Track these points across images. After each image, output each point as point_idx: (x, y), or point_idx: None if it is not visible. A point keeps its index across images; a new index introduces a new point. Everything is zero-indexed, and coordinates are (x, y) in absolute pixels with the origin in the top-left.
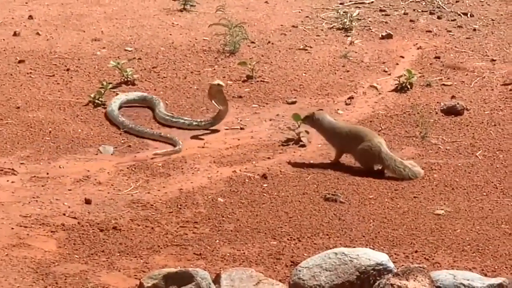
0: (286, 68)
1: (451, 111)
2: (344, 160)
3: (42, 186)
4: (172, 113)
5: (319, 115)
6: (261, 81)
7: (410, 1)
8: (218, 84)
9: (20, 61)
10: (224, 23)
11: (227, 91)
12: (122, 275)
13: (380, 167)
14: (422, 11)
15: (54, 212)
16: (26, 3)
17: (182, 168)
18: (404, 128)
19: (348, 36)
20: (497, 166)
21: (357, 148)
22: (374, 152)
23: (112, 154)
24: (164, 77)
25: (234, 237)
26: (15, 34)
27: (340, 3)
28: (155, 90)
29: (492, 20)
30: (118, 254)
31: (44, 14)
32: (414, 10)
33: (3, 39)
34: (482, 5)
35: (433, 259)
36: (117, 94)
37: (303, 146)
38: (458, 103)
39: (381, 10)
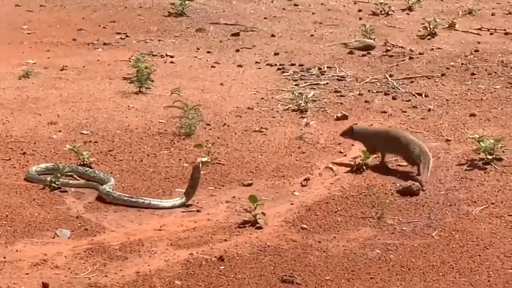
0: (242, 150)
1: (407, 192)
2: (300, 241)
3: None
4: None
5: (357, 128)
6: (217, 163)
7: (365, 82)
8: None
9: None
10: (179, 105)
11: (183, 174)
12: None
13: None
14: (377, 91)
15: None
16: None
17: (139, 251)
18: (360, 209)
19: (304, 117)
20: (453, 246)
21: (402, 149)
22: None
23: (69, 238)
24: (120, 160)
25: None
26: None
27: (295, 85)
28: (111, 173)
29: (447, 100)
30: None
31: (0, 98)
32: (369, 91)
33: None
34: (437, 85)
35: None
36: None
37: (260, 228)
38: (413, 184)
39: (336, 91)
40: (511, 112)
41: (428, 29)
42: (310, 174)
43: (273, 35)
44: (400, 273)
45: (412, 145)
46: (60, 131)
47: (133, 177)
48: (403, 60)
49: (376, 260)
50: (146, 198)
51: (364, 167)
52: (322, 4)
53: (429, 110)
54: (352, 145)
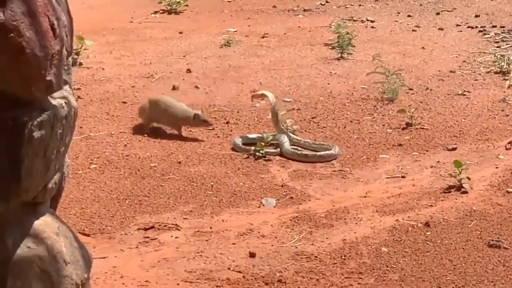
0: (445, 114)
1: None
2: (506, 205)
3: (206, 240)
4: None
5: None
6: (420, 128)
7: None
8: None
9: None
10: (381, 71)
11: (387, 139)
12: None
13: None
14: None
15: (219, 267)
16: (184, 56)
17: (345, 219)
18: None
19: (506, 79)
20: None
21: None
22: None
23: (274, 207)
24: (323, 127)
25: (399, 287)
26: (174, 88)
27: (497, 47)
28: (315, 140)
29: None
30: None
31: (202, 67)
32: None
33: (162, 93)
34: None
35: None
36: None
37: (465, 192)
38: None
39: None
40: None
41: None
42: None
43: None
44: None
45: None
46: (262, 99)
47: (337, 143)
48: None
49: None
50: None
51: None
52: None
53: None
54: None
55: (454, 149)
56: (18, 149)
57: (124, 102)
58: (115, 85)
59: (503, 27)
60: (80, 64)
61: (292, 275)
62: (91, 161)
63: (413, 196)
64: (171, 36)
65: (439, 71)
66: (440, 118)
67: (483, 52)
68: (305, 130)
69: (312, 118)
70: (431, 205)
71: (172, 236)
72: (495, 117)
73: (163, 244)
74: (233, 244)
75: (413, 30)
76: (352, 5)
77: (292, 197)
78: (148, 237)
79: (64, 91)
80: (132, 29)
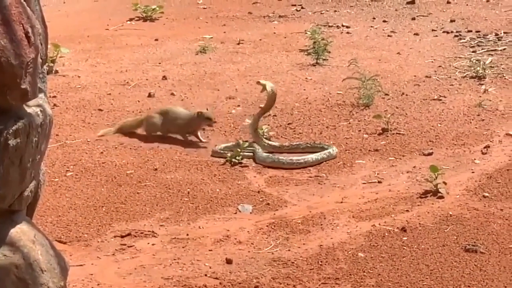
0: (421, 119)
1: None
2: (482, 209)
3: (183, 247)
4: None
5: None
6: (396, 133)
7: None
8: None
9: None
10: (357, 76)
11: (363, 145)
12: None
13: None
14: None
15: (196, 273)
16: (160, 63)
17: (321, 224)
18: None
19: (482, 84)
20: None
21: None
22: None
23: (251, 213)
24: (300, 132)
25: None
26: (149, 95)
27: (473, 51)
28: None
29: None
30: None
31: (177, 74)
32: None
33: (138, 101)
34: None
35: None
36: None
37: (442, 197)
38: None
39: None
40: None
41: None
42: (490, 141)
43: (448, 2)
44: None
45: None
46: (238, 105)
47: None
48: None
49: None
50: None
51: None
52: None
53: None
54: None
55: (430, 154)
56: None
57: (100, 110)
58: (91, 92)
59: (479, 31)
60: (56, 71)
61: (269, 281)
62: (67, 169)
63: (390, 201)
64: (147, 43)
65: (415, 76)
66: (416, 123)
67: (459, 57)
68: (281, 136)
69: (288, 124)
70: (407, 210)
71: (148, 243)
72: (471, 122)
73: (140, 251)
74: (209, 250)
75: (388, 36)
76: (327, 11)
77: (268, 203)
78: (124, 244)
79: (39, 99)
80: (108, 36)
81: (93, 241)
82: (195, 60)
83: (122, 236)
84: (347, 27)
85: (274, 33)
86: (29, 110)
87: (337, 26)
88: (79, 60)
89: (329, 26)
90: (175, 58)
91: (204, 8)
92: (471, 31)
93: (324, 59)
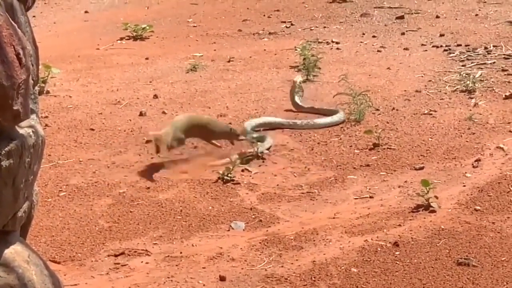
0: (411, 133)
1: None
2: (474, 223)
3: (176, 265)
4: None
5: None
6: (387, 148)
7: None
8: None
9: (147, 141)
10: (347, 92)
11: (354, 160)
12: None
13: None
14: None
15: None
16: (151, 82)
17: (314, 240)
18: None
19: (472, 98)
20: None
21: None
22: None
23: (244, 230)
24: (291, 149)
25: None
26: (141, 114)
27: (462, 65)
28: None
29: None
30: None
31: (168, 93)
32: None
33: (130, 120)
34: None
35: None
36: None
37: (433, 211)
38: None
39: (503, 70)
40: None
41: None
42: (481, 154)
43: (437, 16)
44: None
45: None
46: (230, 123)
47: (303, 165)
48: None
49: None
50: None
51: None
52: None
53: None
54: None
55: (421, 168)
56: None
57: (92, 129)
58: (82, 112)
59: (468, 45)
60: (48, 92)
61: None
62: (60, 189)
63: (382, 216)
64: (138, 62)
65: (405, 91)
66: (407, 138)
67: (449, 71)
68: (273, 154)
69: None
70: (399, 225)
71: (142, 262)
72: (461, 136)
73: (134, 270)
74: (203, 268)
75: (378, 51)
76: (317, 27)
77: (261, 220)
78: (118, 263)
79: (32, 120)
80: (98, 56)
81: (87, 261)
82: (185, 78)
83: (115, 255)
84: (337, 43)
85: (264, 50)
86: (21, 131)
87: (327, 42)
88: (70, 80)
89: (319, 42)
90: (166, 76)
91: (194, 26)
92: (460, 45)
93: (315, 75)
